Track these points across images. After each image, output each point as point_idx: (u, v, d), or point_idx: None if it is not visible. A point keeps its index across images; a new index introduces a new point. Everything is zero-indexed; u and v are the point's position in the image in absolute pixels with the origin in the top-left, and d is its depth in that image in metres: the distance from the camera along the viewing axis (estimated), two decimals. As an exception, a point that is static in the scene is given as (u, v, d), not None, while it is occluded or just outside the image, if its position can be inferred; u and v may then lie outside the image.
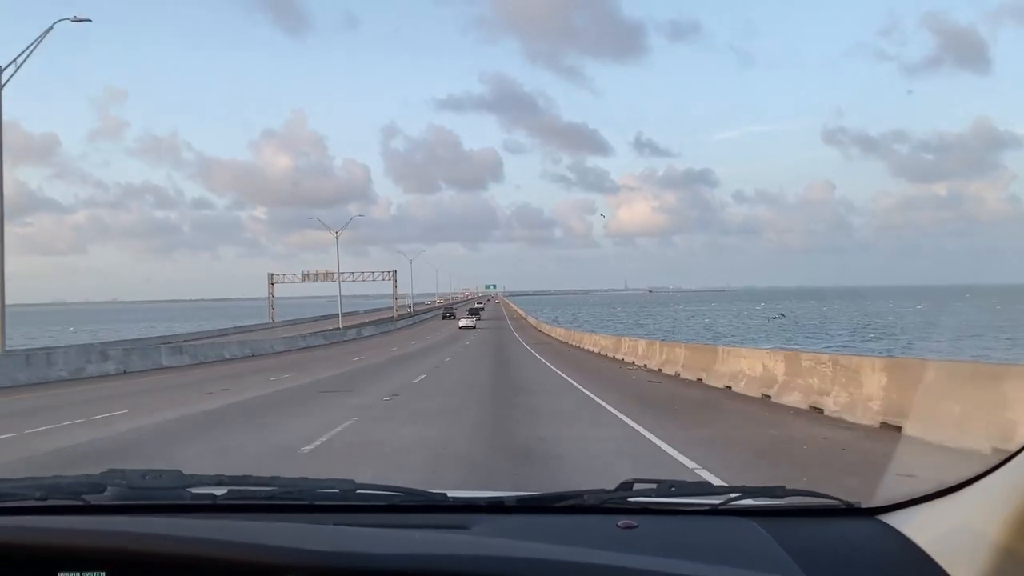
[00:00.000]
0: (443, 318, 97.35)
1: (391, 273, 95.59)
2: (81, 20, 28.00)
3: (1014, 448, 1.29)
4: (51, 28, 25.98)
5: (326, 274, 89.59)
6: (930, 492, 1.51)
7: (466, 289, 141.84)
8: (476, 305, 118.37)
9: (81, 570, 1.33)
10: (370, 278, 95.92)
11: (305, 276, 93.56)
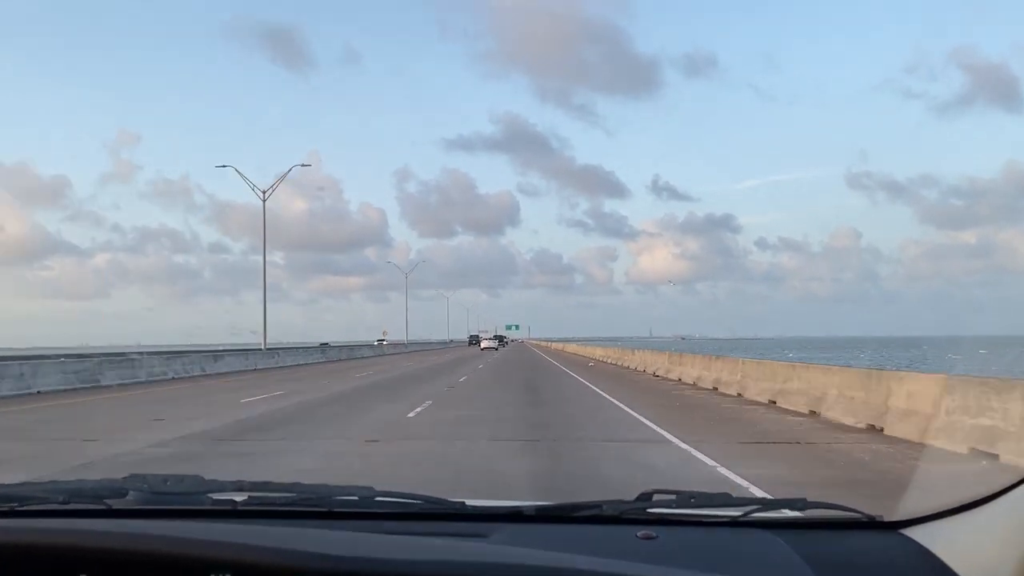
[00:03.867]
0: (469, 345, 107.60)
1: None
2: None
3: None
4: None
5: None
6: (953, 506, 1.49)
7: (484, 331, 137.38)
8: (504, 337, 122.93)
9: (102, 574, 1.35)
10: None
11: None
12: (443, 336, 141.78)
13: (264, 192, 41.83)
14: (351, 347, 66.68)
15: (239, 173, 41.57)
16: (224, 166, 43.67)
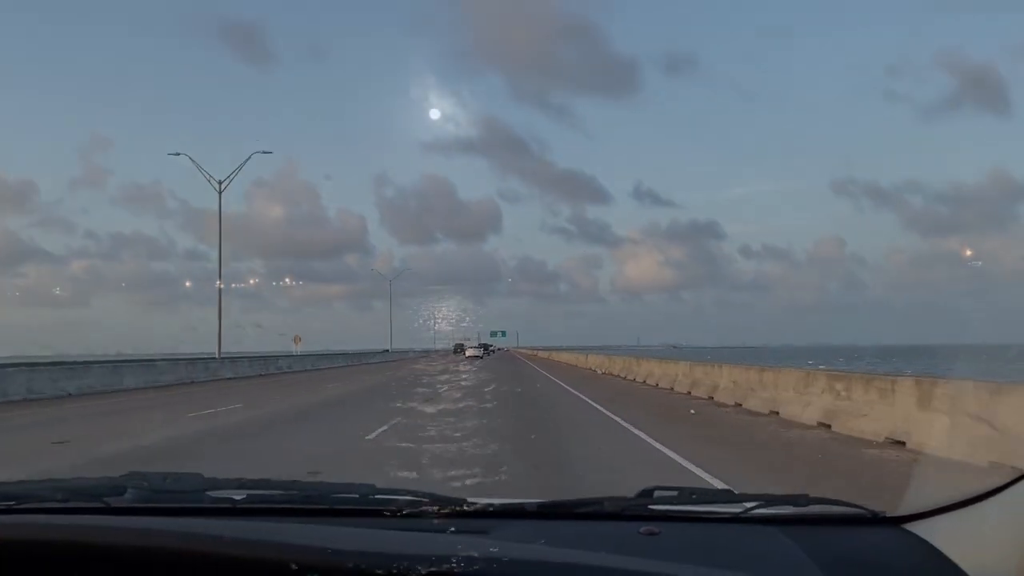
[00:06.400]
0: (454, 353, 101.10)
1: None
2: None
3: None
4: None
5: None
6: (956, 501, 1.49)
7: (468, 339, 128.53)
8: (490, 345, 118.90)
9: (100, 572, 1.33)
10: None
11: None
12: (424, 344, 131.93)
13: (220, 183, 41.47)
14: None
15: (193, 161, 41.17)
16: (177, 153, 42.40)
